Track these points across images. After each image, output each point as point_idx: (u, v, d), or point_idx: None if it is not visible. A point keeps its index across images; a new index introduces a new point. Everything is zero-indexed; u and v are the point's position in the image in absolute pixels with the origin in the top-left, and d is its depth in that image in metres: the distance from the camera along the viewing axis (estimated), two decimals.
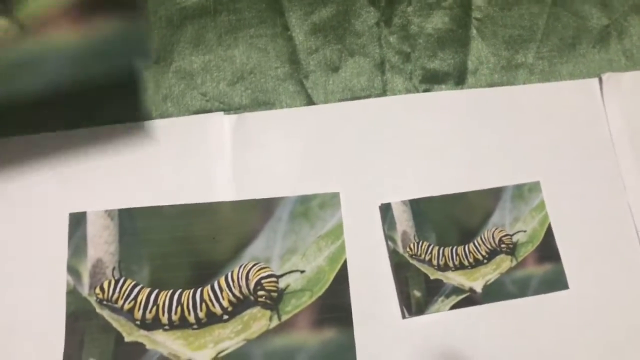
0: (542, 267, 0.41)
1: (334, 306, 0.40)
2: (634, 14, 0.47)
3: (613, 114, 0.44)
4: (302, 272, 0.41)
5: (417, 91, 0.45)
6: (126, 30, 0.39)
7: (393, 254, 0.41)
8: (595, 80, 0.45)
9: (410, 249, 0.41)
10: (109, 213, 0.42)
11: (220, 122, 0.43)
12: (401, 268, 0.40)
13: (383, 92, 0.45)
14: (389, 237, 0.41)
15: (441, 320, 0.40)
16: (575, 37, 0.47)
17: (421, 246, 0.41)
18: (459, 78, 0.45)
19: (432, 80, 0.45)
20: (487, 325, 0.40)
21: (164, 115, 0.43)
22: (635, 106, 0.45)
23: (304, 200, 0.42)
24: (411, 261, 0.41)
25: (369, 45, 0.46)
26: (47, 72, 0.40)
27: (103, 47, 0.40)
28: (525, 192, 0.43)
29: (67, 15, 0.37)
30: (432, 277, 0.41)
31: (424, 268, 0.41)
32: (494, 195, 0.43)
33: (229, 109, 0.44)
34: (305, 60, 0.45)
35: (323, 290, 0.40)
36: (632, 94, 0.45)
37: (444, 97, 0.45)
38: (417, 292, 0.40)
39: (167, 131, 0.43)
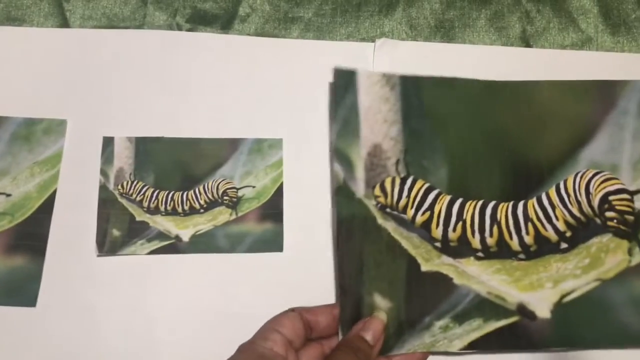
0: (261, 226, 0.39)
1: (31, 234, 0.38)
2: None
3: None
4: (9, 195, 0.38)
5: (180, 29, 0.42)
6: None
7: (102, 189, 0.39)
8: (370, 45, 0.43)
9: (122, 186, 0.39)
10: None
11: None
12: (106, 204, 0.38)
13: (142, 25, 0.42)
14: (102, 172, 0.39)
15: (136, 263, 0.38)
16: None
17: (135, 185, 0.39)
18: (226, 22, 0.43)
19: (198, 21, 0.43)
20: (186, 276, 0.38)
21: None
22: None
23: (29, 124, 0.40)
24: (120, 199, 0.39)
25: None
26: None
27: None
28: (265, 148, 0.41)
29: None
30: (137, 219, 0.38)
31: (132, 208, 0.39)
32: (231, 145, 0.41)
33: None
34: None
35: (24, 217, 0.38)
36: (403, 65, 0.42)
37: (207, 39, 0.43)
38: (116, 231, 0.38)
39: None
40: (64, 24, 0.43)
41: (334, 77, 0.39)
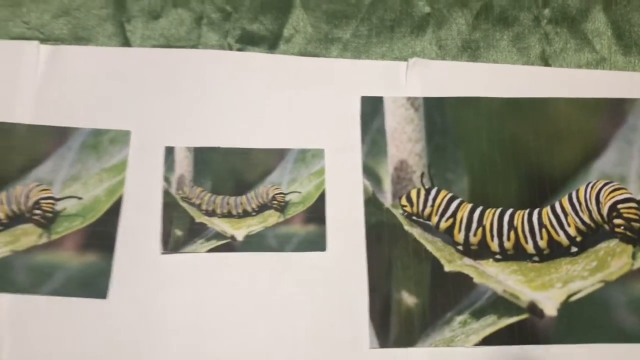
0: (306, 227, 0.44)
1: (101, 234, 0.42)
2: (457, 7, 0.49)
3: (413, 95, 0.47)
4: (80, 198, 0.43)
5: (231, 49, 0.47)
6: None
7: (165, 194, 0.43)
8: (403, 64, 0.47)
9: (183, 191, 0.43)
10: None
11: (36, 51, 0.46)
12: (169, 207, 0.43)
13: (197, 45, 0.47)
14: (165, 178, 0.43)
15: (196, 260, 0.42)
16: (396, 20, 0.49)
17: (194, 190, 0.44)
18: (273, 43, 0.47)
19: (247, 41, 0.47)
20: (241, 273, 0.42)
21: None
22: (436, 92, 0.47)
23: (97, 134, 0.45)
24: (181, 203, 0.43)
25: (192, 0, 0.48)
26: None
27: None
28: (308, 157, 0.45)
29: None
30: (197, 220, 0.43)
31: (192, 211, 0.43)
32: (278, 155, 0.45)
33: (47, 39, 0.46)
34: (130, 5, 0.48)
35: (95, 218, 0.43)
36: (434, 82, 0.47)
37: (255, 59, 0.47)
38: (178, 231, 0.42)
39: None
40: (126, 43, 0.47)
41: (361, 105, 0.44)
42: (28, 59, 0.46)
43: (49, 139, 0.45)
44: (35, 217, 0.43)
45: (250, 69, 0.47)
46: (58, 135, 0.45)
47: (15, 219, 0.43)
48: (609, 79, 0.48)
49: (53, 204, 0.43)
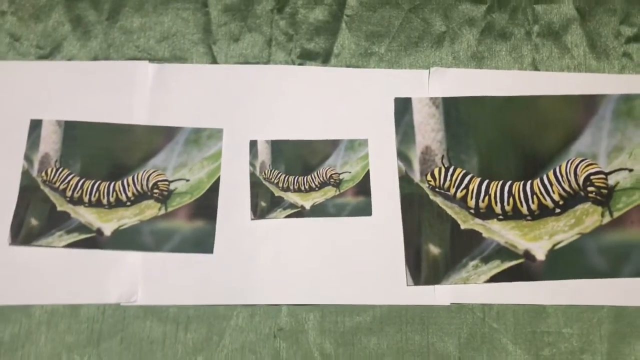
0: (356, 198, 0.57)
1: (205, 206, 0.57)
2: (467, 26, 0.63)
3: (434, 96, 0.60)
4: (187, 180, 0.57)
5: (294, 64, 0.61)
6: None
7: (252, 176, 0.57)
8: (426, 72, 0.61)
9: (265, 173, 0.58)
10: None
11: (146, 68, 0.60)
12: (255, 185, 0.57)
13: (268, 61, 0.61)
14: (251, 164, 0.58)
15: (276, 224, 0.56)
16: (420, 37, 0.62)
17: (273, 172, 0.57)
18: (325, 57, 0.61)
19: (306, 57, 0.61)
20: (310, 233, 0.55)
21: (108, 58, 0.60)
22: (451, 93, 0.60)
23: (197, 132, 0.58)
24: (263, 182, 0.57)
25: (263, 26, 0.61)
26: None
27: None
28: (356, 145, 0.59)
29: None
30: (276, 195, 0.57)
31: (272, 187, 0.57)
32: (333, 144, 0.58)
33: (153, 59, 0.60)
34: (216, 31, 0.61)
35: (200, 195, 0.57)
36: (450, 85, 0.61)
37: (312, 71, 0.61)
38: (263, 203, 0.56)
39: (108, 69, 0.59)
40: (214, 61, 0.61)
41: (395, 104, 0.57)
42: (140, 75, 0.58)
43: (160, 136, 0.58)
44: (155, 195, 0.56)
45: (309, 79, 0.58)
46: (167, 133, 0.57)
47: (139, 197, 0.56)
48: (584, 79, 0.58)
49: (167, 184, 0.56)
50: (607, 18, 0.61)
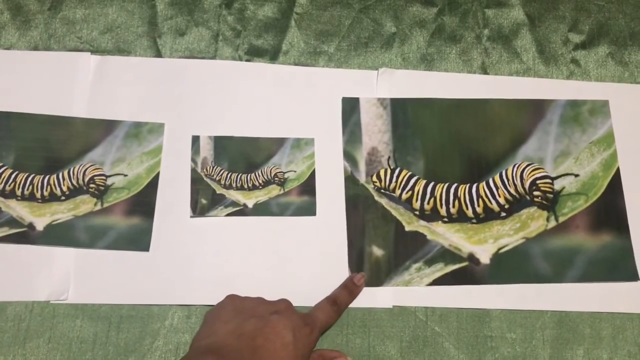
0: (301, 198, 0.56)
1: (143, 202, 0.55)
2: (417, 27, 0.62)
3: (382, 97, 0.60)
4: (125, 175, 0.56)
5: (241, 60, 0.60)
6: None
7: (193, 172, 0.56)
8: (375, 72, 0.61)
9: (206, 170, 0.56)
10: None
11: (88, 60, 0.58)
12: (196, 182, 0.56)
13: (214, 56, 0.60)
14: (192, 159, 0.56)
15: (217, 222, 0.55)
16: (369, 38, 0.62)
17: (215, 169, 0.56)
18: (273, 55, 0.60)
19: (254, 53, 0.60)
20: (252, 232, 0.54)
21: (48, 49, 0.58)
22: (400, 94, 0.60)
23: (138, 126, 0.57)
24: (205, 178, 0.56)
25: (210, 21, 0.61)
26: None
27: None
28: (302, 144, 0.58)
29: None
30: (217, 192, 0.56)
31: (214, 185, 0.56)
32: (279, 142, 0.58)
33: (96, 51, 0.59)
34: (161, 24, 0.60)
35: (137, 190, 0.55)
36: (399, 86, 0.60)
37: (260, 67, 0.60)
38: (203, 200, 0.55)
39: (48, 60, 0.57)
40: (158, 54, 0.60)
41: (342, 104, 0.57)
42: (82, 66, 0.58)
43: (99, 129, 0.57)
44: (91, 190, 0.55)
45: (256, 76, 0.59)
46: (107, 127, 0.57)
47: (75, 191, 0.55)
48: (532, 84, 0.59)
49: (104, 179, 0.55)
50: (556, 24, 0.61)
